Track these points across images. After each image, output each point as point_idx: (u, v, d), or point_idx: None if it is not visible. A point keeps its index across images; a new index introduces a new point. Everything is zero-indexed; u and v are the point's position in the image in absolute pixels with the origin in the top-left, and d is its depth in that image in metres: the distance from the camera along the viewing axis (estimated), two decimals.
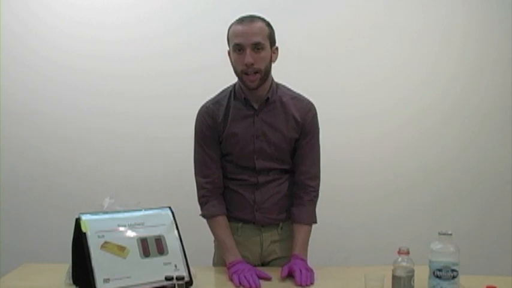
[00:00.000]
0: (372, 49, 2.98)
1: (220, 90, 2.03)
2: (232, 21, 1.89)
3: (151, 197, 2.78)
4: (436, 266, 1.57)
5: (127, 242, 1.68)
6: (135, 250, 1.68)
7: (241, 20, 1.87)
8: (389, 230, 2.96)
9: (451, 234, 1.57)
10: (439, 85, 2.99)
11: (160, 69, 2.97)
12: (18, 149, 2.99)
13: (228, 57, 1.92)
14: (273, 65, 1.93)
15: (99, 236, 1.65)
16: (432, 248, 1.59)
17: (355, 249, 2.94)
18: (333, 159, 2.78)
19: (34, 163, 2.99)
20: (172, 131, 2.93)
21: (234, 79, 1.96)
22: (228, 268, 1.87)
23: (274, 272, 1.87)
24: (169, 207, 1.84)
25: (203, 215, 2.01)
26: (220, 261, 2.00)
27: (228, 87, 2.01)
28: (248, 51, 1.83)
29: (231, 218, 2.00)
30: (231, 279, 1.82)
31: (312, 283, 1.78)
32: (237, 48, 1.84)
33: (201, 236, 2.08)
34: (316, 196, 2.01)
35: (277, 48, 1.93)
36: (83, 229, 1.64)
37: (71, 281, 1.74)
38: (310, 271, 1.83)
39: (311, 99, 2.02)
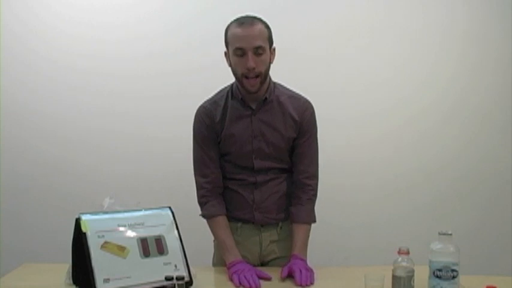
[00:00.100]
0: (372, 49, 2.98)
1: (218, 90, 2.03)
2: (229, 22, 1.88)
3: (151, 197, 2.78)
4: (436, 266, 1.57)
5: (127, 242, 1.68)
6: (135, 250, 1.68)
7: (241, 23, 1.84)
8: (389, 230, 2.96)
9: (451, 234, 1.57)
10: (439, 85, 2.99)
11: (160, 69, 2.96)
12: (18, 149, 2.99)
13: (224, 58, 1.91)
14: (273, 65, 1.92)
15: (99, 236, 1.65)
16: (432, 248, 1.59)
17: (355, 249, 2.94)
18: (333, 159, 2.78)
19: (34, 163, 2.99)
20: (172, 131, 2.93)
21: (233, 79, 1.96)
22: (228, 268, 1.87)
23: (274, 272, 1.87)
24: (169, 207, 1.84)
25: (203, 215, 2.01)
26: (220, 261, 2.00)
27: (226, 87, 2.01)
28: (250, 54, 1.82)
29: (230, 218, 2.00)
30: (231, 279, 1.82)
31: (312, 283, 1.78)
32: (239, 53, 1.83)
33: (201, 236, 2.08)
34: (315, 195, 2.01)
35: (274, 49, 1.92)
36: (83, 229, 1.64)
37: (71, 281, 1.74)
38: (310, 271, 1.83)
39: (311, 99, 2.02)
